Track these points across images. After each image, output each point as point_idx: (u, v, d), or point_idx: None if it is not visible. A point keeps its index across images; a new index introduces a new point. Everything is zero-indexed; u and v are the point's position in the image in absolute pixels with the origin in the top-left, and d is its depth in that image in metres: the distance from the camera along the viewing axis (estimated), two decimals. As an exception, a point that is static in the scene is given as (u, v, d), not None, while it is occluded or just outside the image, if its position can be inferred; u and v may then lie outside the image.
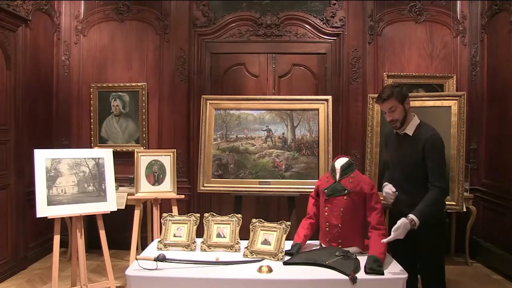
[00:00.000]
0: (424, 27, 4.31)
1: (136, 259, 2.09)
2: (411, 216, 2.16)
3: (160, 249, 2.36)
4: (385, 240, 2.13)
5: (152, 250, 2.38)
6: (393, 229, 2.16)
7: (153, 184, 3.43)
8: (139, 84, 4.35)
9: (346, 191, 2.27)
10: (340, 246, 2.24)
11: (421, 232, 2.25)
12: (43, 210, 2.85)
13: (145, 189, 3.40)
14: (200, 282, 1.96)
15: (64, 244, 3.96)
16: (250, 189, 3.46)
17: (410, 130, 2.35)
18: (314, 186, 2.51)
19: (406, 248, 2.39)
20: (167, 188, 3.44)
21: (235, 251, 2.33)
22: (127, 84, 4.36)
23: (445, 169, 2.40)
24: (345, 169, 2.34)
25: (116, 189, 3.30)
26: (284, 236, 2.28)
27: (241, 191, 3.45)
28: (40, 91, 4.19)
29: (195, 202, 4.32)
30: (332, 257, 2.08)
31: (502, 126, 3.87)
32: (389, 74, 4.26)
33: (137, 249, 3.42)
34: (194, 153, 4.28)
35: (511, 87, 3.74)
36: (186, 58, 4.34)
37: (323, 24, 4.34)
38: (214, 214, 2.50)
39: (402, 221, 2.15)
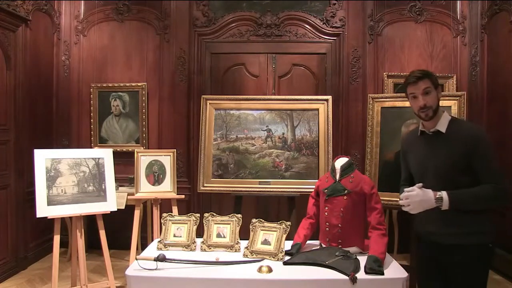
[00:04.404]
0: (424, 27, 4.31)
1: (136, 259, 2.09)
2: (442, 192, 1.83)
3: (160, 249, 2.36)
4: (401, 197, 1.90)
5: (152, 250, 2.38)
6: (407, 189, 1.87)
7: (153, 184, 3.43)
8: (139, 84, 4.35)
9: (346, 191, 2.26)
10: (340, 246, 2.23)
11: (460, 261, 1.88)
12: (43, 210, 2.84)
13: (145, 189, 3.40)
14: (200, 282, 1.96)
15: (64, 244, 3.96)
16: (250, 189, 3.45)
17: (442, 126, 1.94)
18: (314, 186, 2.51)
19: (437, 272, 2.03)
20: (167, 188, 3.44)
21: (235, 251, 2.33)
22: (127, 84, 4.37)
23: (500, 169, 1.88)
24: (345, 169, 2.33)
25: (116, 189, 3.30)
26: (284, 236, 2.27)
27: (241, 191, 3.45)
28: (40, 91, 4.19)
29: (195, 202, 4.32)
30: (332, 257, 2.08)
31: (502, 126, 3.87)
32: (389, 74, 4.26)
33: (137, 249, 3.41)
34: (194, 153, 4.29)
35: (511, 87, 3.74)
36: (186, 58, 4.34)
37: (323, 24, 4.34)
38: (214, 214, 2.50)
39: (427, 190, 1.84)
